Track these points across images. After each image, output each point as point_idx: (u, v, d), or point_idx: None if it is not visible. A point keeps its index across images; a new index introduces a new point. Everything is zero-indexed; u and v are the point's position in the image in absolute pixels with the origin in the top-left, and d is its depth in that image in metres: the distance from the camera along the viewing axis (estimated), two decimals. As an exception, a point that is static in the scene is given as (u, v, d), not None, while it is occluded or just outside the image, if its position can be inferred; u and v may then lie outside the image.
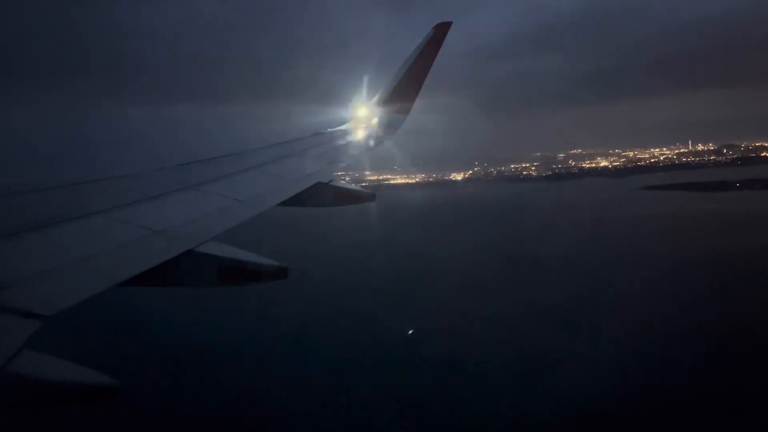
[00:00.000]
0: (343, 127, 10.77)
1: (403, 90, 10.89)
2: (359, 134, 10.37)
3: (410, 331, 51.63)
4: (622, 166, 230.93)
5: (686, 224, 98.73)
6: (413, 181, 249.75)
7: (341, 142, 9.58)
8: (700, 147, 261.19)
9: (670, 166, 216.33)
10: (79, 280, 3.39)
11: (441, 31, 10.82)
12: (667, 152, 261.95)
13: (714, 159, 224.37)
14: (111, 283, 3.43)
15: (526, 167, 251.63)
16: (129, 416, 31.84)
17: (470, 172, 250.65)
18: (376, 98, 11.17)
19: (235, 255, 4.26)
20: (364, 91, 11.35)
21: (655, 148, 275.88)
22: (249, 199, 5.58)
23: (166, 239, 4.21)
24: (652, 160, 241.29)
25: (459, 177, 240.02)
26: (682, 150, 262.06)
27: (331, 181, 7.12)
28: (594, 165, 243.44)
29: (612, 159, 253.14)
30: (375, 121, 10.97)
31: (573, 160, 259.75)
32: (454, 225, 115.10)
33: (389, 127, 10.83)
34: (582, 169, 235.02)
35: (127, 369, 35.61)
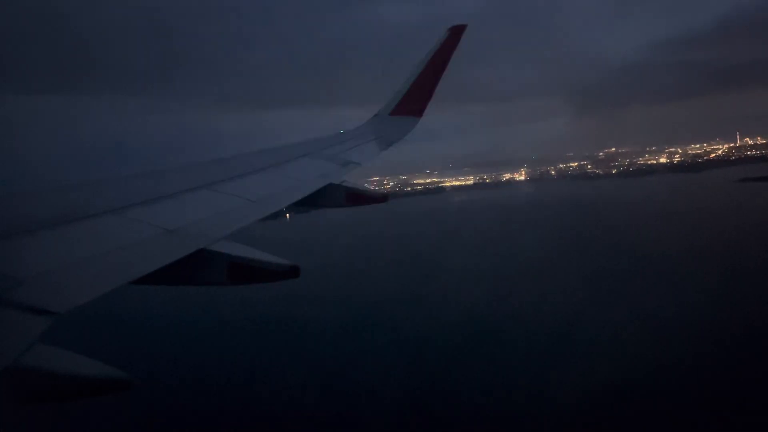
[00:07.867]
0: (358, 128, 10.61)
1: (417, 93, 10.83)
2: (373, 136, 10.12)
3: None
4: (689, 162, 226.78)
5: None
6: (468, 182, 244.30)
7: (355, 143, 9.34)
8: (748, 141, 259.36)
9: (742, 160, 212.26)
10: (92, 277, 3.40)
11: (455, 33, 10.80)
12: (718, 146, 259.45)
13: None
14: (123, 281, 3.44)
15: (575, 167, 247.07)
16: (138, 413, 31.80)
17: (523, 172, 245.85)
18: (390, 101, 11.14)
19: (247, 254, 4.21)
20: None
21: (695, 144, 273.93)
22: (261, 199, 5.61)
23: (178, 238, 4.20)
24: (714, 155, 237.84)
25: (520, 177, 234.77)
26: (731, 144, 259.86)
27: (343, 182, 7.02)
28: (653, 161, 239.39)
29: (665, 155, 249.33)
30: (389, 123, 10.74)
31: (621, 158, 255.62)
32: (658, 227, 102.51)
33: (402, 130, 10.52)
34: (648, 165, 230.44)
35: (138, 366, 34.82)
